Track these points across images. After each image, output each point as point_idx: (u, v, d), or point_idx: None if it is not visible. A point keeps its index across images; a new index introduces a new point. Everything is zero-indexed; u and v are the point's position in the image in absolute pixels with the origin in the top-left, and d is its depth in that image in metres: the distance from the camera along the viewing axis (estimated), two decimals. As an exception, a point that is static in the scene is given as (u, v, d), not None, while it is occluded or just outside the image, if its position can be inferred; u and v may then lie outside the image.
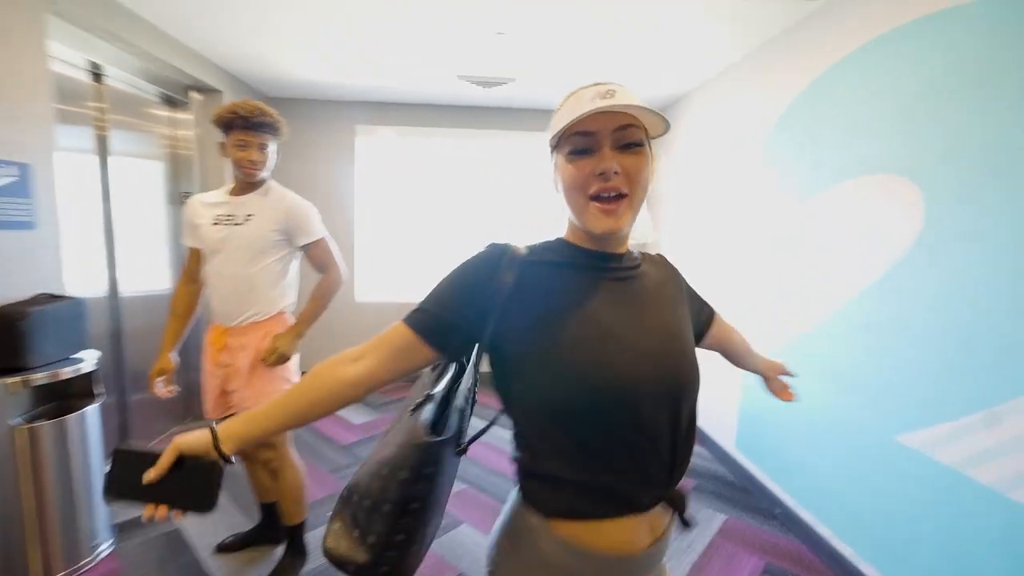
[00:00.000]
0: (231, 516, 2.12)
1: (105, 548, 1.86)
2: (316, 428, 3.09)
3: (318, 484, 2.43)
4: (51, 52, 1.87)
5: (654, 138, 0.68)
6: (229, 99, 3.02)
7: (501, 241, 0.69)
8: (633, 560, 0.65)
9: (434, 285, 0.70)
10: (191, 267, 1.71)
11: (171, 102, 2.90)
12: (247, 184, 1.62)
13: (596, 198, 0.63)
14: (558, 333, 0.62)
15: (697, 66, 2.76)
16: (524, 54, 2.63)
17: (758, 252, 2.47)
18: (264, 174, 1.62)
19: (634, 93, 0.66)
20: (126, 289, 2.58)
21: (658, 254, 0.84)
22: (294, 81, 3.26)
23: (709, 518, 2.16)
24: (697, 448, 1.25)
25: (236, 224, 1.58)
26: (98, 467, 1.84)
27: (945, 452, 1.47)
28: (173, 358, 1.70)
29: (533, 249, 0.70)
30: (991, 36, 1.37)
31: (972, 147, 1.41)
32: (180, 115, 2.94)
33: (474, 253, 0.69)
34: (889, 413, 1.66)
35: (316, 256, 1.69)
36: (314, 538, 1.97)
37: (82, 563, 1.77)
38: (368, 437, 3.02)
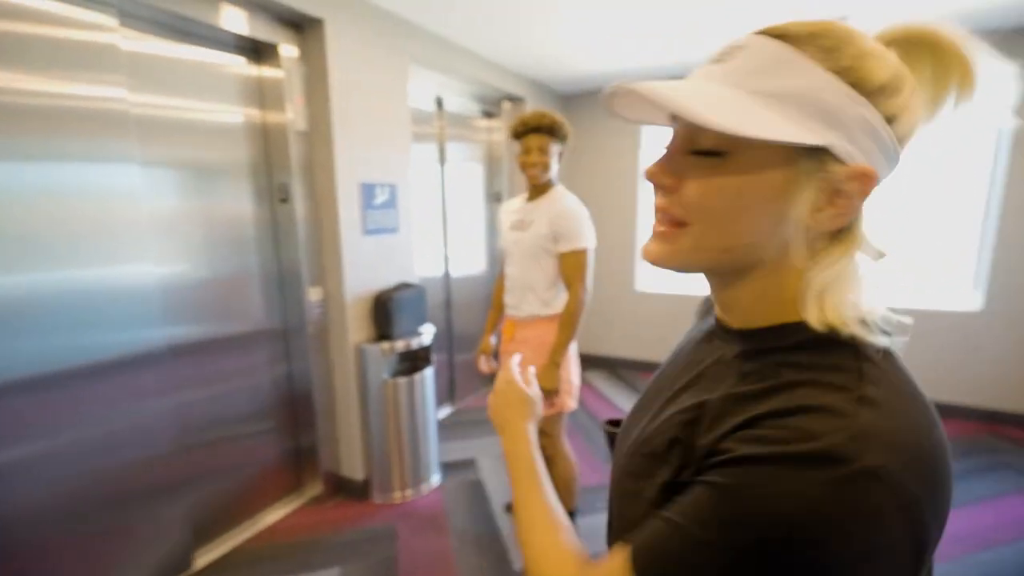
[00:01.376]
0: (519, 480, 2.43)
1: (436, 480, 2.40)
2: (595, 412, 3.23)
3: (592, 470, 2.54)
4: (410, 92, 2.40)
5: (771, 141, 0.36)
6: (531, 103, 3.36)
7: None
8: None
9: None
10: (502, 265, 1.94)
11: (487, 114, 3.40)
12: (537, 189, 1.74)
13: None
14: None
15: None
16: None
17: None
18: (547, 176, 1.70)
19: (771, 60, 0.37)
20: (454, 271, 3.22)
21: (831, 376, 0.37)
22: (584, 77, 3.35)
23: None
24: None
25: (523, 230, 1.73)
26: (432, 415, 2.37)
27: None
28: (492, 341, 2.02)
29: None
30: None
31: None
32: (493, 123, 3.43)
33: None
34: None
35: (567, 266, 1.69)
36: (585, 526, 2.06)
37: (421, 487, 2.33)
38: None
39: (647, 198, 3.68)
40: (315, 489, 2.27)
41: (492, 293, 2.04)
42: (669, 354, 0.59)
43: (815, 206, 0.37)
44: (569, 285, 1.70)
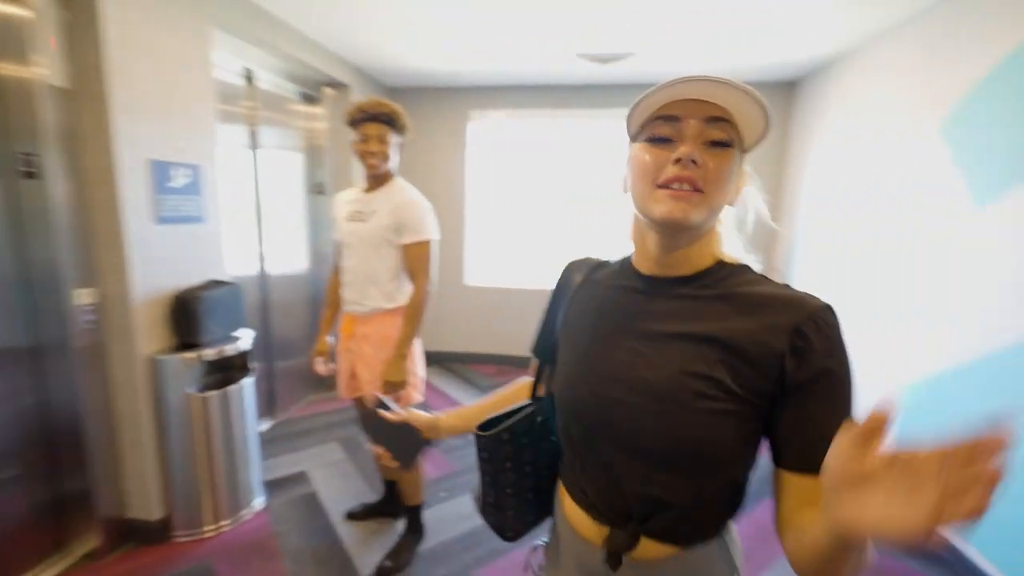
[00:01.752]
0: (358, 487, 2.31)
1: (259, 502, 2.13)
2: (431, 407, 3.25)
3: (431, 463, 2.55)
4: (214, 61, 2.08)
5: (747, 150, 0.59)
6: (356, 92, 3.21)
7: (581, 256, 0.78)
8: (592, 552, 0.66)
9: None
10: (338, 259, 1.82)
11: (307, 98, 3.14)
12: (376, 180, 1.69)
13: (667, 187, 0.56)
14: (569, 345, 0.70)
15: (840, 30, 2.33)
16: (644, 25, 2.42)
17: (909, 263, 2.05)
18: (387, 167, 1.66)
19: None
20: (272, 269, 2.89)
21: (800, 297, 0.56)
22: (413, 71, 3.35)
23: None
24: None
25: (362, 220, 1.67)
26: (253, 430, 2.10)
27: None
28: (329, 341, 1.89)
29: (607, 264, 0.74)
30: None
31: None
32: (315, 110, 3.18)
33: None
34: None
35: (411, 259, 1.67)
36: (431, 516, 2.08)
37: (241, 513, 2.04)
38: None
39: (472, 199, 3.87)
40: (90, 542, 1.80)
41: (325, 290, 1.93)
42: (569, 310, 0.73)
43: (736, 184, 0.60)
44: (414, 277, 1.69)
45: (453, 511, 2.16)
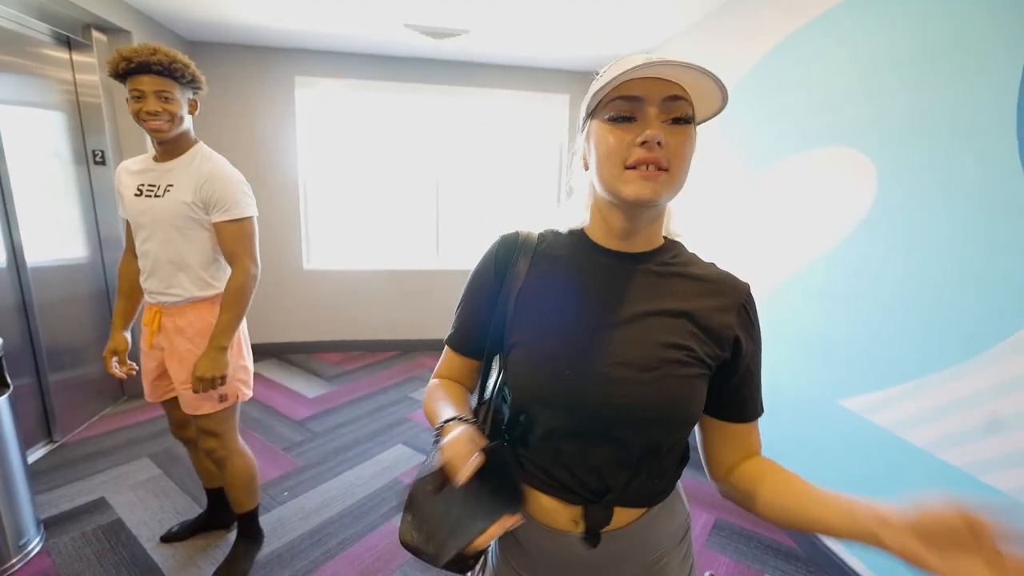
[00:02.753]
0: (180, 504, 2.01)
1: (35, 546, 1.72)
2: (267, 403, 2.96)
3: (271, 463, 2.34)
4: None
5: (700, 123, 0.62)
6: (140, 39, 2.66)
7: (511, 231, 0.72)
8: (565, 538, 0.65)
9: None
10: (130, 240, 1.54)
11: (69, 43, 2.50)
12: (168, 147, 1.42)
13: (634, 168, 0.57)
14: (536, 327, 0.65)
15: (658, 23, 2.66)
16: (477, 3, 2.43)
17: (713, 221, 2.49)
18: (177, 131, 1.39)
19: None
20: (34, 259, 2.30)
21: (734, 278, 0.68)
22: (220, 23, 2.89)
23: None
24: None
25: (156, 196, 1.41)
26: (17, 461, 1.68)
27: (881, 416, 1.57)
28: (126, 337, 1.58)
29: (546, 238, 0.71)
30: (957, 4, 1.35)
31: (927, 120, 1.43)
32: (81, 58, 2.55)
33: (485, 248, 0.73)
34: (833, 377, 1.76)
35: (227, 239, 1.43)
36: (269, 521, 1.91)
37: (11, 563, 1.63)
38: (323, 411, 2.91)
39: (307, 176, 3.55)
40: None
41: (117, 277, 1.62)
42: (531, 286, 0.68)
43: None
44: (233, 260, 1.46)
45: (296, 509, 2.01)
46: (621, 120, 0.58)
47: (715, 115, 0.61)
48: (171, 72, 1.32)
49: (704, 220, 2.60)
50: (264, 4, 2.60)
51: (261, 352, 3.65)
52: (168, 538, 1.79)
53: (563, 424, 0.63)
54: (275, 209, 3.49)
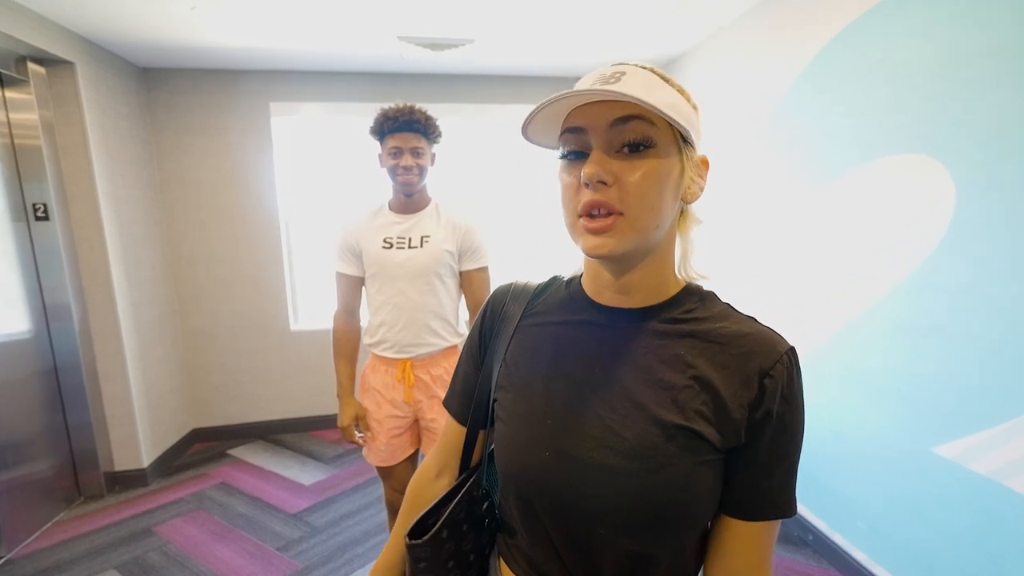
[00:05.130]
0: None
1: None
2: (256, 495, 2.50)
3: (264, 567, 1.94)
4: None
5: (691, 138, 0.51)
6: (85, 71, 2.29)
7: (504, 284, 0.69)
8: None
9: None
10: (350, 299, 1.59)
11: (1, 80, 2.11)
12: (415, 199, 1.51)
13: (588, 214, 0.50)
14: (517, 397, 0.59)
15: (689, 24, 2.36)
16: (483, 8, 2.11)
17: (768, 247, 2.19)
18: (423, 183, 1.50)
19: (650, 81, 0.50)
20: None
21: (770, 338, 0.52)
22: (178, 46, 2.51)
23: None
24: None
25: (411, 247, 1.48)
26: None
27: (981, 463, 1.35)
28: (359, 401, 1.61)
29: (545, 289, 0.65)
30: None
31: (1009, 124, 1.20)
32: (15, 95, 2.16)
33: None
34: (924, 422, 1.51)
35: (477, 286, 1.55)
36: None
37: None
38: (324, 500, 2.44)
39: (288, 218, 3.16)
40: None
41: (335, 340, 1.61)
42: (515, 353, 0.62)
43: (689, 181, 0.53)
44: (477, 307, 1.54)
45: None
46: (573, 157, 0.52)
47: (690, 122, 0.50)
48: (426, 130, 1.44)
49: (748, 253, 2.29)
50: (229, 23, 2.24)
51: (243, 434, 3.15)
52: None
53: (548, 514, 0.55)
54: (253, 259, 3.04)
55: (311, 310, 3.29)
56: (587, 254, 0.51)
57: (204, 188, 2.94)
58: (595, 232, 0.49)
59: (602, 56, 2.80)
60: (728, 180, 2.40)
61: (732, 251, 2.42)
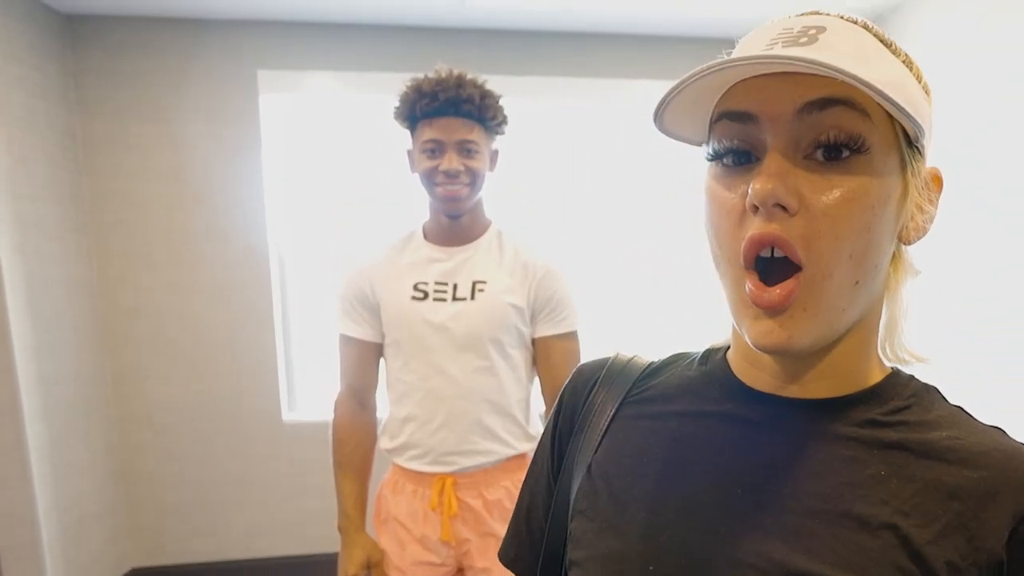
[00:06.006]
0: None
1: None
2: None
3: None
4: None
5: (917, 140, 0.34)
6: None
7: (594, 360, 0.49)
8: None
9: None
10: (359, 378, 1.14)
11: None
12: (466, 223, 1.07)
13: (754, 265, 0.33)
14: (611, 526, 0.41)
15: None
16: None
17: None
18: (476, 198, 1.06)
19: (864, 43, 0.32)
20: None
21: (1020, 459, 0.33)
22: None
23: None
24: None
25: (457, 298, 1.04)
26: None
27: None
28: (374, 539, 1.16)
29: (657, 370, 0.46)
30: None
31: None
32: None
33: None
34: None
35: (560, 361, 1.09)
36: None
37: None
38: None
39: (288, 239, 2.22)
40: None
41: (335, 446, 1.15)
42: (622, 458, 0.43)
43: (913, 209, 0.35)
44: (556, 394, 0.73)
45: None
46: (733, 160, 0.34)
47: (922, 115, 0.32)
48: (481, 114, 1.02)
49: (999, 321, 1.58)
50: None
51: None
52: None
53: None
54: (228, 313, 2.16)
55: (314, 391, 2.36)
56: (752, 344, 0.35)
57: (156, 205, 2.09)
58: (769, 308, 0.32)
59: (779, 6, 1.75)
60: (967, 202, 1.63)
61: (972, 318, 1.70)
